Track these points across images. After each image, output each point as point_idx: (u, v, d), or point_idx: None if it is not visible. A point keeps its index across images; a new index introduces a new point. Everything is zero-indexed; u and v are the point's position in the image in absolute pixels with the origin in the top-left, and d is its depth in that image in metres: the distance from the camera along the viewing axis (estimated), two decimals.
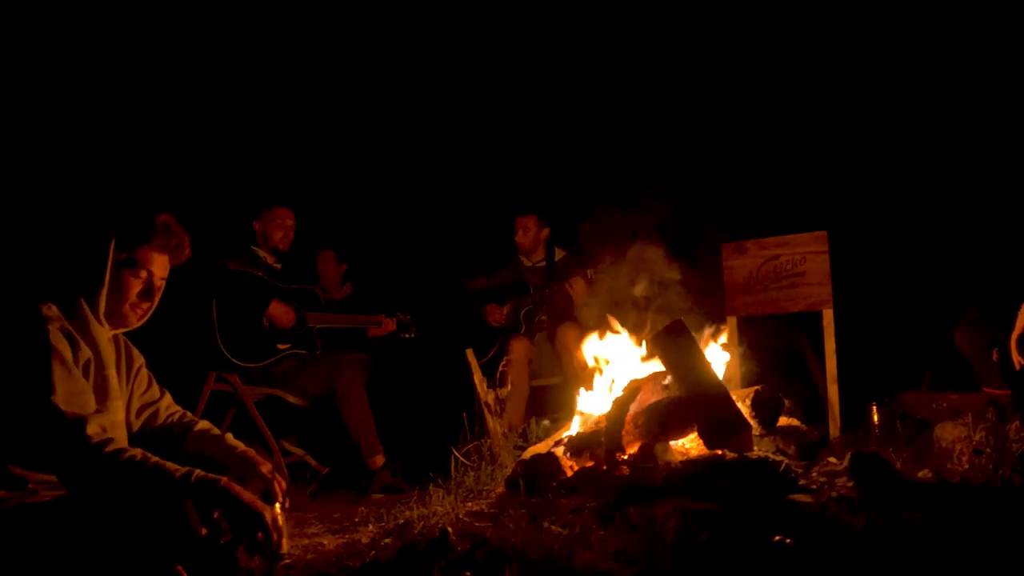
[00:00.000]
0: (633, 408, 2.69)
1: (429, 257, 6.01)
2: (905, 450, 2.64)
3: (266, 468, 2.17)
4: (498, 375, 4.26)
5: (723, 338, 3.23)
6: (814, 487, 2.15)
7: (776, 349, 4.25)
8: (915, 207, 4.88)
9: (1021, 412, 2.61)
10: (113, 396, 2.09)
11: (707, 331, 3.17)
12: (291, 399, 3.88)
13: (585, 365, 3.24)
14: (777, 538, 1.66)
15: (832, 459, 2.38)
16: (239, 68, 5.51)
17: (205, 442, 2.26)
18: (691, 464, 2.37)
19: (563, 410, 3.91)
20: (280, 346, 3.87)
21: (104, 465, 1.85)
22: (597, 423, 2.81)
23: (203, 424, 2.32)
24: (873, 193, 5.07)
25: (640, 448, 2.50)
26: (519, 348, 4.29)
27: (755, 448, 2.51)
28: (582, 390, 3.20)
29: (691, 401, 2.54)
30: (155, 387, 2.31)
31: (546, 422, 3.72)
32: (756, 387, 2.81)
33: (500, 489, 2.75)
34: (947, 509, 1.88)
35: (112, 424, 2.06)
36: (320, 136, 5.99)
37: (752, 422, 2.62)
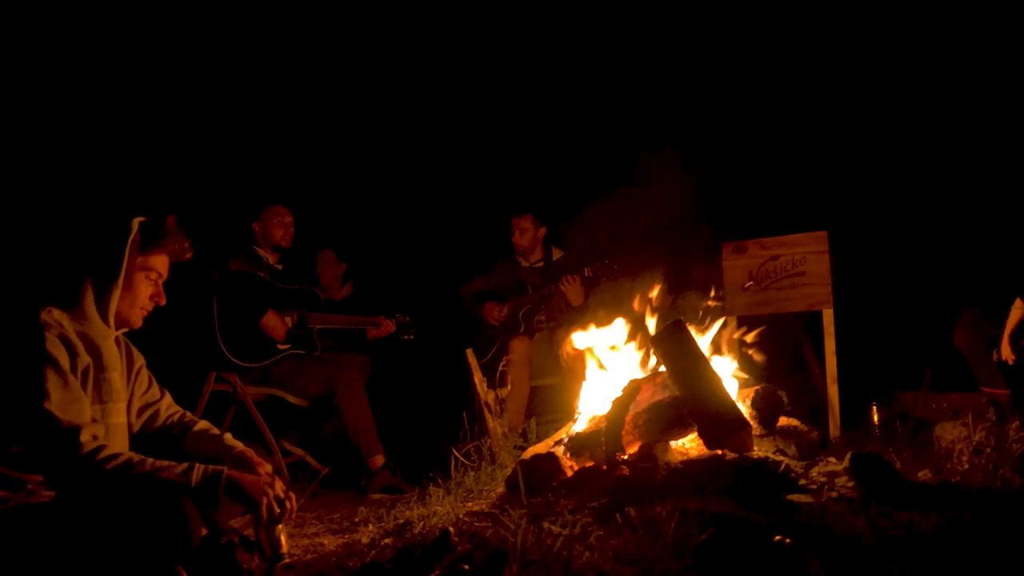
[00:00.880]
0: (633, 408, 2.69)
1: (429, 257, 6.00)
2: (905, 450, 2.64)
3: (265, 469, 2.17)
4: (498, 375, 4.26)
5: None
6: (814, 487, 2.15)
7: (776, 349, 4.25)
8: (915, 207, 4.88)
9: (1021, 412, 2.61)
10: (115, 398, 2.09)
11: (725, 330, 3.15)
12: (291, 399, 3.88)
13: (571, 367, 3.23)
14: (777, 538, 1.66)
15: (832, 459, 2.38)
16: (241, 71, 5.51)
17: (204, 442, 2.26)
18: (691, 464, 2.37)
19: (563, 410, 3.91)
20: (280, 346, 3.87)
21: (97, 473, 1.85)
22: (597, 423, 2.81)
23: (203, 424, 2.32)
24: (873, 193, 5.07)
25: (640, 448, 2.50)
26: (519, 348, 4.29)
27: (755, 448, 2.51)
28: (581, 390, 3.20)
29: (691, 401, 2.54)
30: (155, 387, 2.31)
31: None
32: (756, 387, 2.81)
33: (500, 489, 2.75)
34: (947, 509, 1.88)
35: (111, 427, 2.07)
36: (320, 137, 5.99)
37: (752, 422, 2.61)
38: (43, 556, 1.75)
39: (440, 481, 3.08)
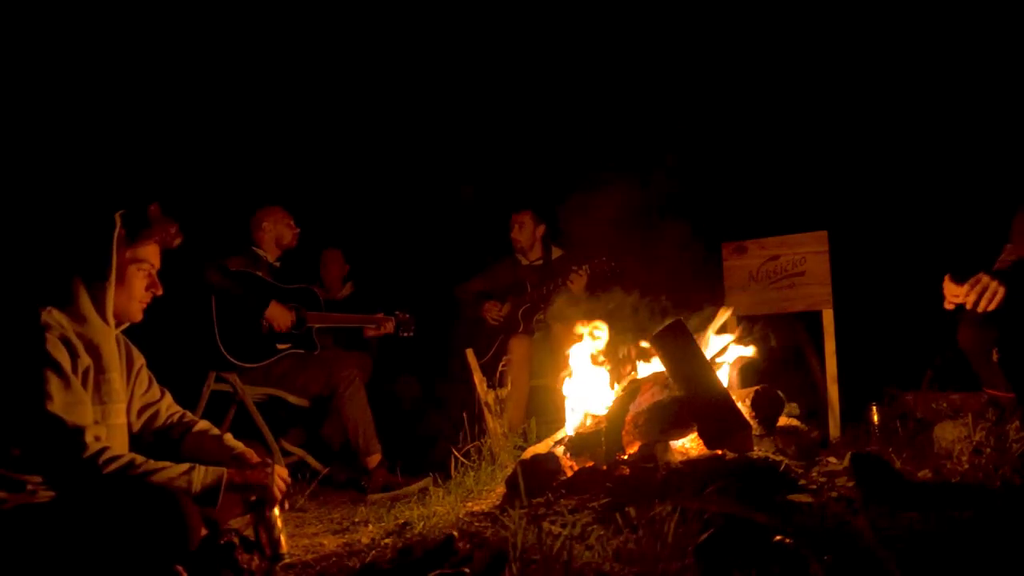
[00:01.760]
0: (633, 408, 2.69)
1: (428, 257, 6.00)
2: (905, 450, 2.64)
3: (265, 471, 2.17)
4: (498, 375, 4.26)
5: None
6: (814, 487, 2.15)
7: (776, 349, 4.25)
8: (915, 207, 4.88)
9: (1022, 412, 2.61)
10: (116, 399, 2.09)
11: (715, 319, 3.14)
12: (291, 399, 3.88)
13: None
14: (777, 538, 1.66)
15: (832, 459, 2.38)
16: (242, 69, 5.50)
17: (204, 442, 2.26)
18: (691, 464, 2.37)
19: (563, 410, 3.91)
20: (280, 346, 3.87)
21: (100, 475, 1.85)
22: (597, 423, 2.81)
23: (203, 424, 2.32)
24: (873, 193, 5.07)
25: (640, 448, 2.50)
26: (519, 348, 4.29)
27: (755, 448, 2.51)
28: (579, 389, 3.19)
29: (691, 401, 2.54)
30: (155, 387, 2.31)
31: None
32: (756, 387, 2.81)
33: (500, 489, 2.75)
34: (947, 509, 1.88)
35: (112, 428, 2.07)
36: (319, 136, 5.98)
37: (752, 422, 2.61)
38: (43, 556, 1.75)
39: (440, 481, 3.08)
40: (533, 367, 4.35)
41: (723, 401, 2.53)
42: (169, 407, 2.33)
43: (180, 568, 1.82)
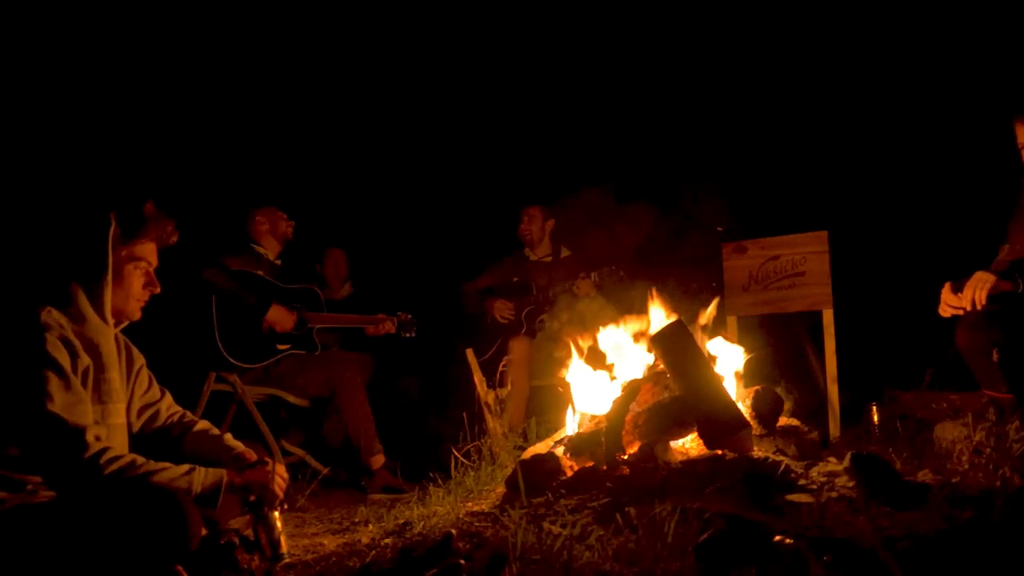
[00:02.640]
0: (633, 408, 2.69)
1: (430, 256, 6.00)
2: (905, 450, 2.64)
3: (264, 471, 2.17)
4: (498, 375, 4.25)
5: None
6: (814, 487, 2.15)
7: (776, 349, 4.25)
8: (915, 207, 4.88)
9: (1022, 413, 2.61)
10: (115, 398, 2.09)
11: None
12: (291, 399, 3.88)
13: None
14: (777, 538, 1.66)
15: (832, 459, 2.38)
16: (242, 66, 5.50)
17: (204, 442, 2.26)
18: (691, 464, 2.37)
19: (563, 410, 3.91)
20: (280, 346, 3.87)
21: (100, 476, 1.85)
22: (597, 423, 2.81)
23: (203, 424, 2.32)
24: (874, 193, 5.07)
25: (640, 448, 2.50)
26: (519, 348, 4.28)
27: (755, 448, 2.51)
28: (580, 389, 3.19)
29: (691, 401, 2.54)
30: (156, 387, 2.31)
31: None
32: (756, 387, 2.81)
33: (500, 489, 2.75)
34: (947, 509, 1.88)
35: (112, 428, 2.06)
36: (320, 135, 5.98)
37: (752, 422, 2.61)
38: (43, 556, 1.74)
39: (440, 481, 3.08)
40: (533, 367, 4.35)
41: (723, 401, 2.53)
42: (169, 407, 2.32)
43: (180, 568, 1.82)
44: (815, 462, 2.38)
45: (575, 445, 2.76)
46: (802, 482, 2.20)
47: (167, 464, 1.95)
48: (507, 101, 5.94)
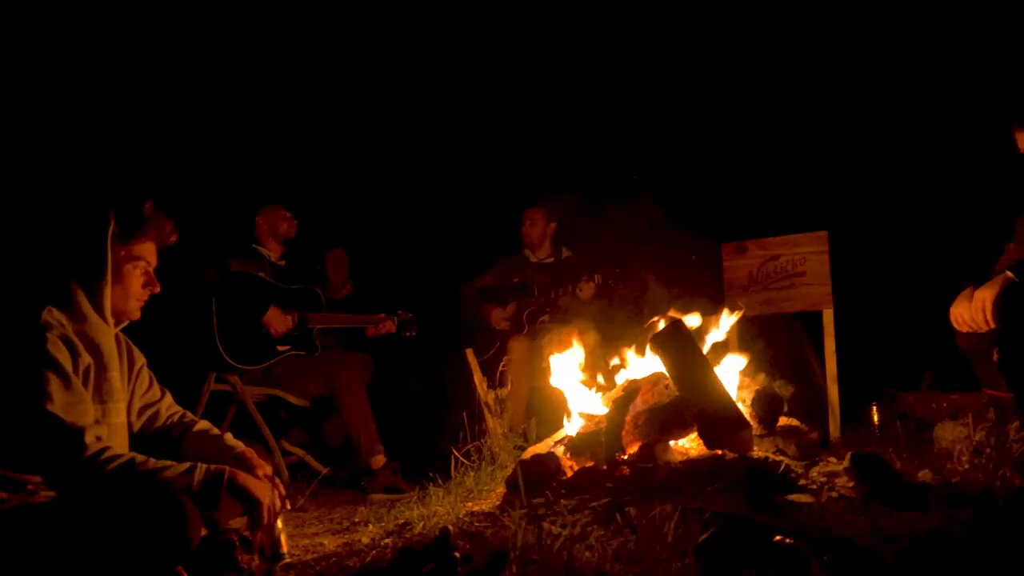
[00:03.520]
0: (633, 408, 2.68)
1: (430, 256, 6.00)
2: (905, 450, 2.64)
3: (264, 471, 2.17)
4: (498, 375, 4.25)
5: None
6: (814, 487, 2.15)
7: (776, 349, 4.25)
8: (916, 207, 4.88)
9: (1022, 413, 2.61)
10: (116, 398, 2.09)
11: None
12: (291, 399, 3.88)
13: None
14: (777, 538, 1.66)
15: (832, 459, 2.38)
16: (244, 66, 5.49)
17: (204, 442, 2.26)
18: (691, 464, 2.36)
19: (563, 411, 3.91)
20: (280, 347, 3.87)
21: (100, 474, 1.84)
22: (597, 423, 2.81)
23: (203, 424, 2.32)
24: (873, 193, 5.07)
25: (640, 448, 2.50)
26: (519, 348, 4.28)
27: (755, 448, 2.51)
28: (580, 389, 3.19)
29: (691, 401, 2.54)
30: (156, 387, 2.31)
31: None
32: (756, 387, 2.81)
33: (500, 489, 2.75)
34: (947, 509, 1.88)
35: (112, 427, 2.06)
36: (321, 134, 5.98)
37: (752, 422, 2.61)
38: (43, 556, 1.74)
39: (440, 481, 3.08)
40: (533, 367, 4.35)
41: (723, 401, 2.53)
42: (169, 407, 2.32)
43: (180, 568, 1.82)
44: (815, 462, 2.38)
45: (575, 445, 2.76)
46: (802, 482, 2.20)
47: (168, 462, 1.95)
48: (508, 101, 5.94)
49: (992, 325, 2.58)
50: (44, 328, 1.93)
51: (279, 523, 2.13)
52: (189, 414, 2.35)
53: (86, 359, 1.98)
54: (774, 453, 2.49)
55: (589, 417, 2.93)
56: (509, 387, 4.21)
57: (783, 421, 2.80)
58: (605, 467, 2.49)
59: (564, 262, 4.70)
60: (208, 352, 3.66)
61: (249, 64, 5.53)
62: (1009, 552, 1.62)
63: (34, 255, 2.19)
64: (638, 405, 2.70)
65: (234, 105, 5.48)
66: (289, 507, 2.12)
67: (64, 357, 1.92)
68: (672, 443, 2.58)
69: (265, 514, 2.04)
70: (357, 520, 2.92)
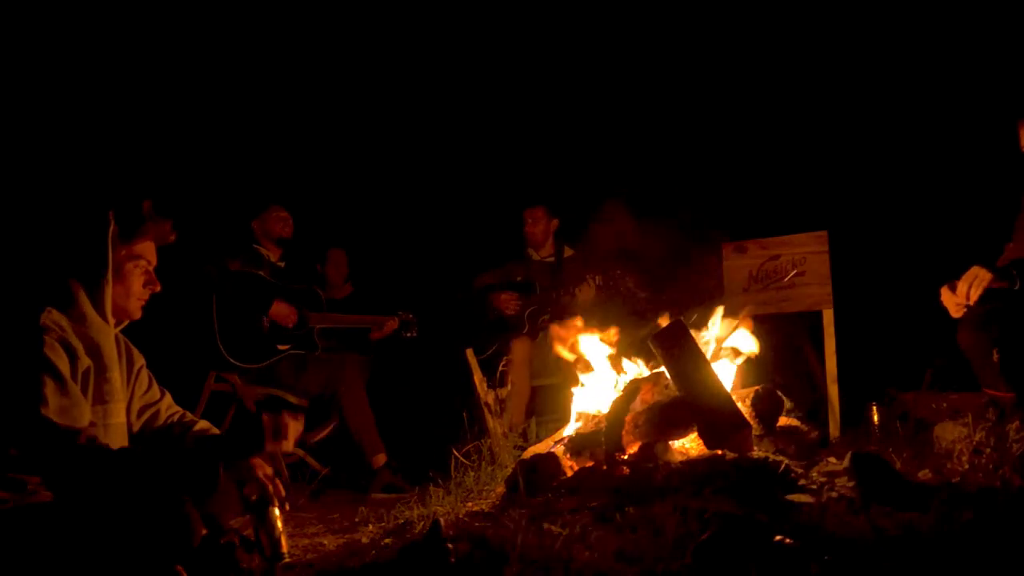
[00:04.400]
0: (633, 408, 2.68)
1: (430, 256, 6.00)
2: (905, 450, 2.64)
3: (264, 471, 2.17)
4: (498, 375, 4.25)
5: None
6: (814, 487, 2.15)
7: (776, 349, 4.25)
8: (916, 207, 4.87)
9: (1022, 413, 2.61)
10: (116, 398, 2.09)
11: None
12: (291, 399, 3.88)
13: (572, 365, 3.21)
14: (777, 538, 1.66)
15: (832, 459, 2.38)
16: (244, 66, 5.49)
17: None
18: (691, 464, 2.36)
19: (563, 410, 3.91)
20: (280, 347, 3.87)
21: (93, 461, 1.84)
22: (597, 423, 2.81)
23: (203, 424, 2.32)
24: (874, 193, 5.07)
25: (640, 448, 2.50)
26: (519, 348, 4.29)
27: (755, 448, 2.51)
28: (580, 389, 3.19)
29: (691, 401, 2.54)
30: (155, 387, 2.31)
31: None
32: (756, 387, 2.81)
33: (500, 489, 2.75)
34: (947, 509, 1.88)
35: (112, 427, 2.06)
36: (322, 133, 5.98)
37: (752, 422, 2.61)
38: (43, 556, 1.74)
39: (440, 481, 3.08)
40: (533, 367, 4.35)
41: (723, 401, 2.53)
42: (169, 407, 2.32)
43: (180, 568, 1.81)
44: (815, 462, 2.38)
45: (575, 445, 2.76)
46: (802, 482, 2.20)
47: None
48: (509, 101, 5.94)
49: (971, 300, 2.58)
50: (42, 331, 1.92)
51: (279, 523, 2.13)
52: (189, 414, 2.35)
53: (85, 361, 1.98)
54: (774, 453, 2.49)
55: (589, 417, 2.93)
56: (509, 387, 4.21)
57: (783, 421, 2.80)
58: (605, 467, 2.49)
59: (566, 261, 4.70)
60: (208, 351, 3.66)
61: (250, 63, 5.53)
62: (1009, 552, 1.62)
63: (34, 255, 2.19)
64: (638, 405, 2.70)
65: (234, 104, 5.48)
66: (289, 507, 2.11)
67: (61, 361, 1.91)
68: (672, 443, 2.58)
69: (264, 481, 2.04)
70: (357, 520, 2.92)
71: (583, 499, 2.24)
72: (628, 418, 2.63)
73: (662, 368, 2.82)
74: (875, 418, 3.18)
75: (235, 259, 3.97)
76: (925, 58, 4.94)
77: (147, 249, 2.17)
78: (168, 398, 2.34)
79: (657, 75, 5.56)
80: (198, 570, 1.88)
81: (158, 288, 2.20)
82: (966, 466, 2.33)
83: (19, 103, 4.44)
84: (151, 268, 2.18)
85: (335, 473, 3.91)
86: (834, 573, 1.58)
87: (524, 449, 3.13)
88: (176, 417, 2.31)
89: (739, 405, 2.60)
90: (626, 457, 2.53)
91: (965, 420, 2.64)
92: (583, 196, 5.06)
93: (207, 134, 5.28)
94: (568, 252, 4.76)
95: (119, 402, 2.11)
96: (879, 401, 3.29)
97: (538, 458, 2.65)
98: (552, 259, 4.73)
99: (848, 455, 2.22)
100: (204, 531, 1.94)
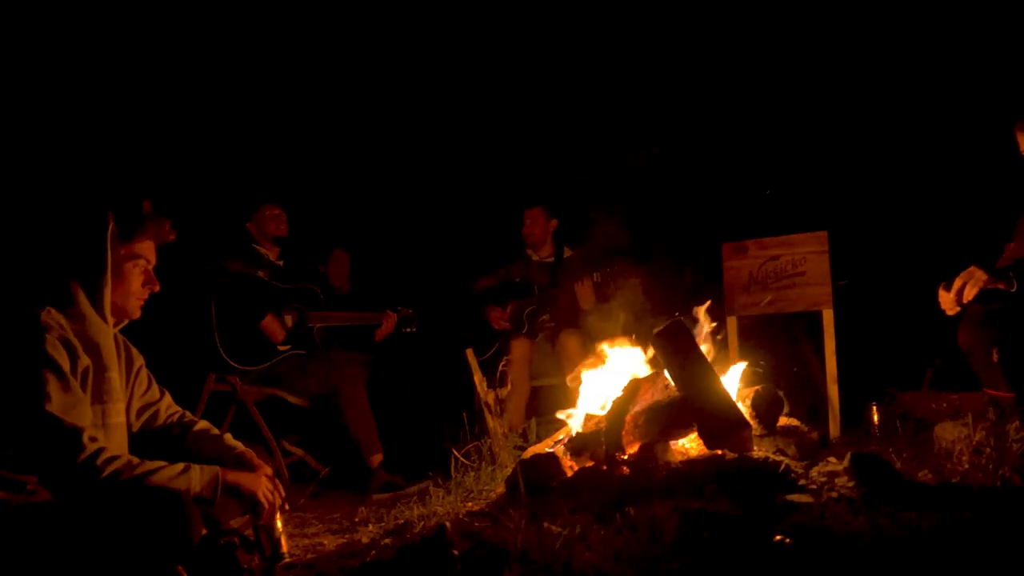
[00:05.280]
0: (633, 408, 2.69)
1: (430, 255, 6.00)
2: (905, 450, 2.64)
3: (265, 471, 2.16)
4: (498, 375, 4.25)
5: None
6: (814, 487, 2.15)
7: (776, 349, 4.25)
8: (916, 207, 4.88)
9: (1022, 412, 2.61)
10: (115, 398, 2.08)
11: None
12: (291, 399, 3.87)
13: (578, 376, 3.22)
14: (777, 538, 1.66)
15: (832, 459, 2.38)
16: (245, 66, 5.49)
17: (204, 442, 2.25)
18: (691, 464, 2.37)
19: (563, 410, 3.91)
20: (280, 348, 3.87)
21: (95, 478, 1.84)
22: (597, 423, 2.81)
23: (202, 424, 2.32)
24: (874, 193, 5.07)
25: (640, 448, 2.50)
26: (519, 348, 4.29)
27: (755, 448, 2.51)
28: (580, 390, 3.19)
29: (691, 401, 2.54)
30: (155, 388, 2.31)
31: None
32: (756, 387, 2.81)
33: (500, 489, 2.75)
34: (947, 509, 1.88)
35: (111, 427, 2.06)
36: (322, 133, 5.98)
37: (752, 422, 2.61)
38: (43, 556, 1.74)
39: (440, 481, 3.08)
40: (533, 367, 4.36)
41: (723, 401, 2.53)
42: (169, 407, 2.32)
43: (180, 568, 1.81)
44: (815, 462, 2.38)
45: (575, 445, 2.76)
46: (802, 482, 2.20)
47: (162, 463, 1.94)
48: (508, 101, 5.94)
49: (965, 299, 2.59)
50: (43, 329, 1.92)
51: (279, 523, 2.13)
52: (188, 414, 2.35)
53: (84, 360, 1.98)
54: (774, 453, 2.49)
55: (589, 417, 2.93)
56: (509, 387, 4.21)
57: (783, 421, 2.80)
58: (605, 467, 2.49)
59: (565, 261, 4.70)
60: (208, 353, 3.66)
61: (250, 63, 5.53)
62: (1009, 552, 1.62)
63: (34, 255, 2.19)
64: (638, 405, 2.70)
65: (234, 104, 5.47)
66: (288, 507, 2.11)
67: (63, 359, 1.91)
68: (672, 443, 2.58)
69: (263, 500, 2.04)
70: (357, 520, 2.92)
71: (583, 499, 2.24)
72: (628, 418, 2.63)
73: (662, 369, 2.82)
74: (875, 418, 3.19)
75: (236, 260, 3.96)
76: (925, 58, 4.94)
77: (146, 249, 2.16)
78: (168, 398, 2.34)
79: (657, 75, 5.56)
80: (198, 570, 1.88)
81: (157, 288, 2.20)
82: (966, 466, 2.33)
83: (19, 103, 4.44)
84: (150, 268, 2.18)
85: (335, 473, 3.91)
86: (834, 573, 1.58)
87: (524, 449, 3.13)
88: (176, 417, 2.31)
89: (739, 405, 2.60)
90: (626, 457, 2.53)
91: (965, 420, 2.64)
92: (583, 196, 5.06)
93: (208, 134, 5.28)
94: (568, 252, 4.76)
95: (118, 402, 2.11)
96: (879, 401, 3.30)
97: (538, 458, 2.65)
98: (551, 259, 4.73)
99: (848, 455, 2.22)
100: (204, 531, 1.94)
